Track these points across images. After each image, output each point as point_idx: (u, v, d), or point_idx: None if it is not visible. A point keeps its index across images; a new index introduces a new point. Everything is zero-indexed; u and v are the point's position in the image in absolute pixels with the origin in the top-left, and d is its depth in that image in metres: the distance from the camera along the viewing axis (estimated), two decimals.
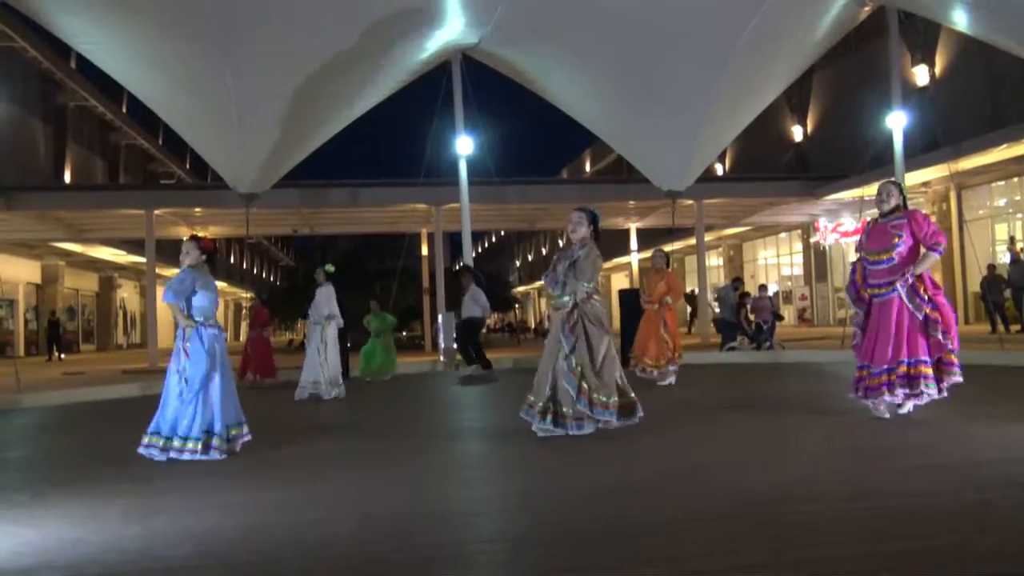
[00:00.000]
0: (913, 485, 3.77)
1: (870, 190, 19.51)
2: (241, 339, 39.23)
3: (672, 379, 9.11)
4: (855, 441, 5.15)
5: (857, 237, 6.10)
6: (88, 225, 22.48)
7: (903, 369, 5.39)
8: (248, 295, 40.98)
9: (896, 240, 5.44)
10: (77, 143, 29.85)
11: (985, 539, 2.90)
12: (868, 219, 6.05)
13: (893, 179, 6.03)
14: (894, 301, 5.46)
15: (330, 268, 9.68)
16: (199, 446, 5.07)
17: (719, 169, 30.59)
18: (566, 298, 5.46)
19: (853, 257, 6.01)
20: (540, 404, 5.41)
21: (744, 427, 5.89)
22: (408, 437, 6.07)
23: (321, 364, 9.09)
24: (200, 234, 23.95)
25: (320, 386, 9.04)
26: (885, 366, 5.44)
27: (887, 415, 5.58)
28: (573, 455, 4.94)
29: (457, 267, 13.73)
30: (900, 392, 5.42)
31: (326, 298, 9.31)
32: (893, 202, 5.62)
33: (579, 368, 5.35)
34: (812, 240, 26.02)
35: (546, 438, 5.35)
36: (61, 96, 28.08)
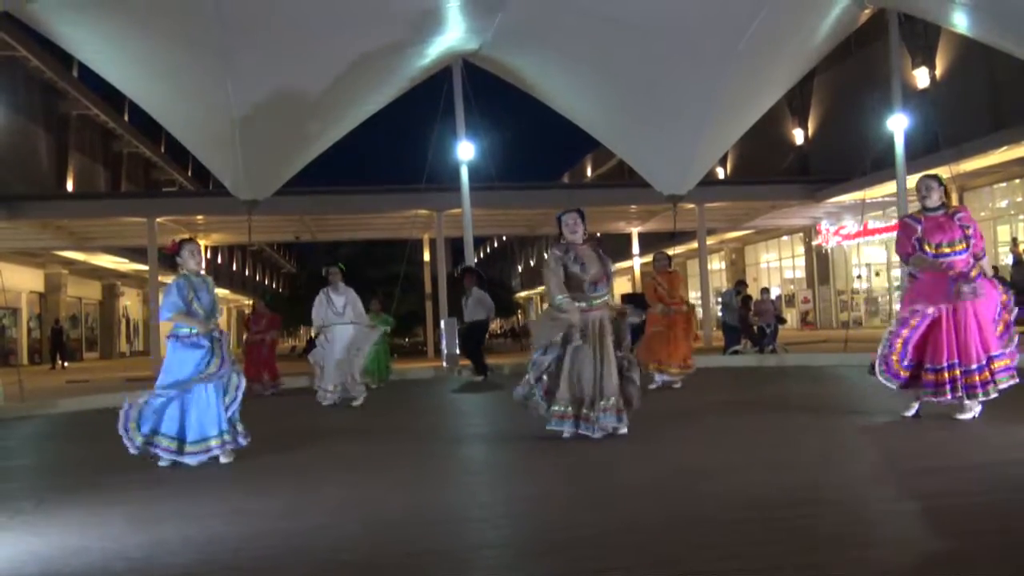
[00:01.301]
0: (920, 488, 3.76)
1: (872, 193, 19.64)
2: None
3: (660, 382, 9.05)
4: (861, 444, 5.14)
5: (885, 235, 6.08)
6: (91, 233, 22.53)
7: (996, 364, 5.38)
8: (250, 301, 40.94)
9: (969, 232, 5.48)
10: (79, 152, 29.91)
11: (994, 542, 2.89)
12: (904, 217, 5.94)
13: (931, 173, 5.91)
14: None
15: (343, 266, 9.57)
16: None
17: (720, 173, 30.60)
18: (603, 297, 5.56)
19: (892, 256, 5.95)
20: (609, 401, 5.36)
21: (748, 430, 5.88)
22: (411, 442, 6.07)
23: (341, 363, 8.99)
24: (202, 242, 23.87)
25: (347, 388, 8.99)
26: (983, 363, 5.36)
27: (976, 414, 5.47)
28: (576, 459, 4.93)
29: (458, 270, 13.64)
30: (995, 392, 5.37)
31: (354, 300, 9.18)
32: (936, 196, 5.61)
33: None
34: (814, 243, 26.00)
35: (546, 443, 5.35)
36: (63, 105, 28.15)
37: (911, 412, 5.67)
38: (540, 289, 51.29)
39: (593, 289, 5.50)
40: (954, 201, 17.05)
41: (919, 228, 5.55)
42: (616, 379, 5.40)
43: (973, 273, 5.50)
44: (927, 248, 5.50)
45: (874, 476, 4.06)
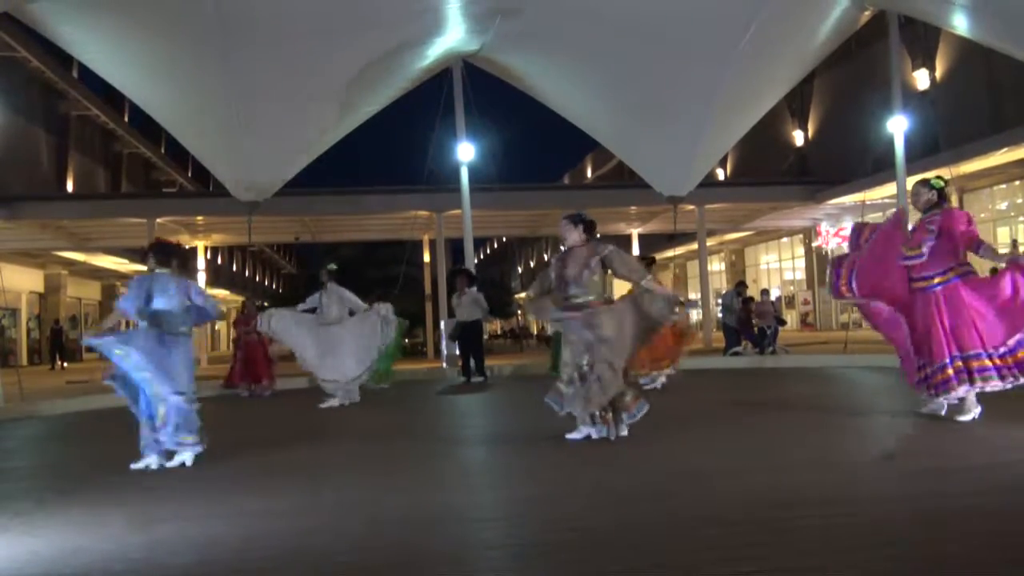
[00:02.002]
0: (920, 489, 3.76)
1: (871, 194, 19.65)
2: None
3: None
4: (861, 445, 5.14)
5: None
6: (91, 234, 22.53)
7: (959, 364, 5.36)
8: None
9: (927, 235, 5.48)
10: (79, 152, 29.91)
11: (993, 544, 2.89)
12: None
13: (922, 178, 5.98)
14: (934, 296, 5.47)
15: (333, 267, 9.60)
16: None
17: (720, 174, 30.62)
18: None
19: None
20: (626, 399, 5.50)
21: (748, 431, 5.88)
22: (411, 443, 6.06)
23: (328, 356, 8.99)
24: (203, 243, 23.81)
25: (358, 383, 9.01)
26: (945, 361, 5.38)
27: (943, 413, 5.53)
28: (576, 460, 4.93)
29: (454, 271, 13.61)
30: (963, 388, 5.35)
31: (347, 297, 9.28)
32: (922, 201, 5.69)
33: None
34: (814, 244, 26.00)
35: (546, 444, 5.35)
36: (63, 105, 28.15)
37: (937, 411, 5.69)
38: None
39: (567, 288, 5.53)
40: (954, 202, 17.13)
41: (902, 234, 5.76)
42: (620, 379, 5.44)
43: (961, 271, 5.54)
44: (904, 249, 5.64)
45: (873, 477, 4.06)
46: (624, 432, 5.43)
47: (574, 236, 5.65)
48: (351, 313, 9.37)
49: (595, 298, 5.47)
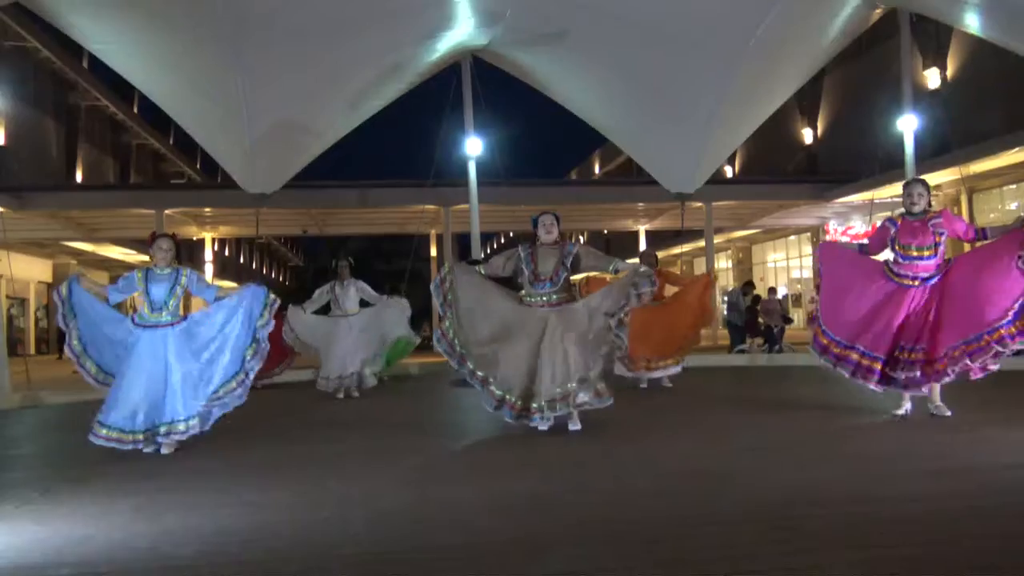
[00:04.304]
0: (917, 490, 3.76)
1: (880, 193, 19.56)
2: None
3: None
4: (862, 444, 5.14)
5: (864, 240, 6.29)
6: (99, 225, 22.61)
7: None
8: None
9: (939, 239, 5.65)
10: (89, 143, 29.99)
11: (993, 547, 2.89)
12: (882, 219, 6.12)
13: (920, 178, 6.12)
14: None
15: (351, 260, 9.68)
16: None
17: (729, 171, 30.51)
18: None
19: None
20: (541, 400, 5.54)
21: (750, 430, 5.88)
22: (415, 436, 6.08)
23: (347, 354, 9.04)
24: (210, 235, 23.89)
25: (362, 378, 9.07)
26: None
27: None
28: (580, 457, 4.94)
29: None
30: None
31: (363, 288, 9.41)
32: (923, 203, 5.84)
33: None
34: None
35: (553, 439, 5.36)
36: (73, 96, 28.23)
37: (901, 411, 5.82)
38: None
39: (538, 286, 5.72)
40: (963, 204, 17.08)
41: (893, 230, 5.82)
42: (559, 375, 5.49)
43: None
44: (897, 248, 5.73)
45: (875, 477, 4.06)
46: (577, 426, 5.58)
47: (555, 234, 5.86)
48: (363, 304, 9.44)
49: (566, 296, 5.74)
